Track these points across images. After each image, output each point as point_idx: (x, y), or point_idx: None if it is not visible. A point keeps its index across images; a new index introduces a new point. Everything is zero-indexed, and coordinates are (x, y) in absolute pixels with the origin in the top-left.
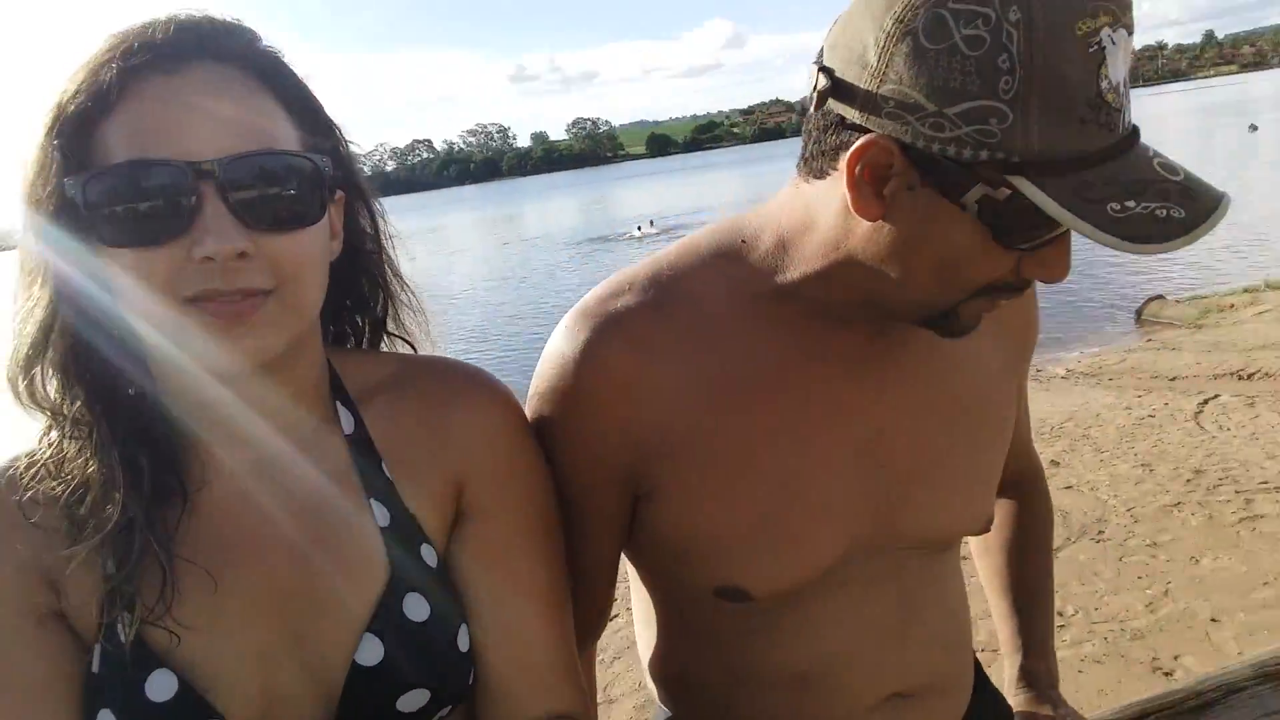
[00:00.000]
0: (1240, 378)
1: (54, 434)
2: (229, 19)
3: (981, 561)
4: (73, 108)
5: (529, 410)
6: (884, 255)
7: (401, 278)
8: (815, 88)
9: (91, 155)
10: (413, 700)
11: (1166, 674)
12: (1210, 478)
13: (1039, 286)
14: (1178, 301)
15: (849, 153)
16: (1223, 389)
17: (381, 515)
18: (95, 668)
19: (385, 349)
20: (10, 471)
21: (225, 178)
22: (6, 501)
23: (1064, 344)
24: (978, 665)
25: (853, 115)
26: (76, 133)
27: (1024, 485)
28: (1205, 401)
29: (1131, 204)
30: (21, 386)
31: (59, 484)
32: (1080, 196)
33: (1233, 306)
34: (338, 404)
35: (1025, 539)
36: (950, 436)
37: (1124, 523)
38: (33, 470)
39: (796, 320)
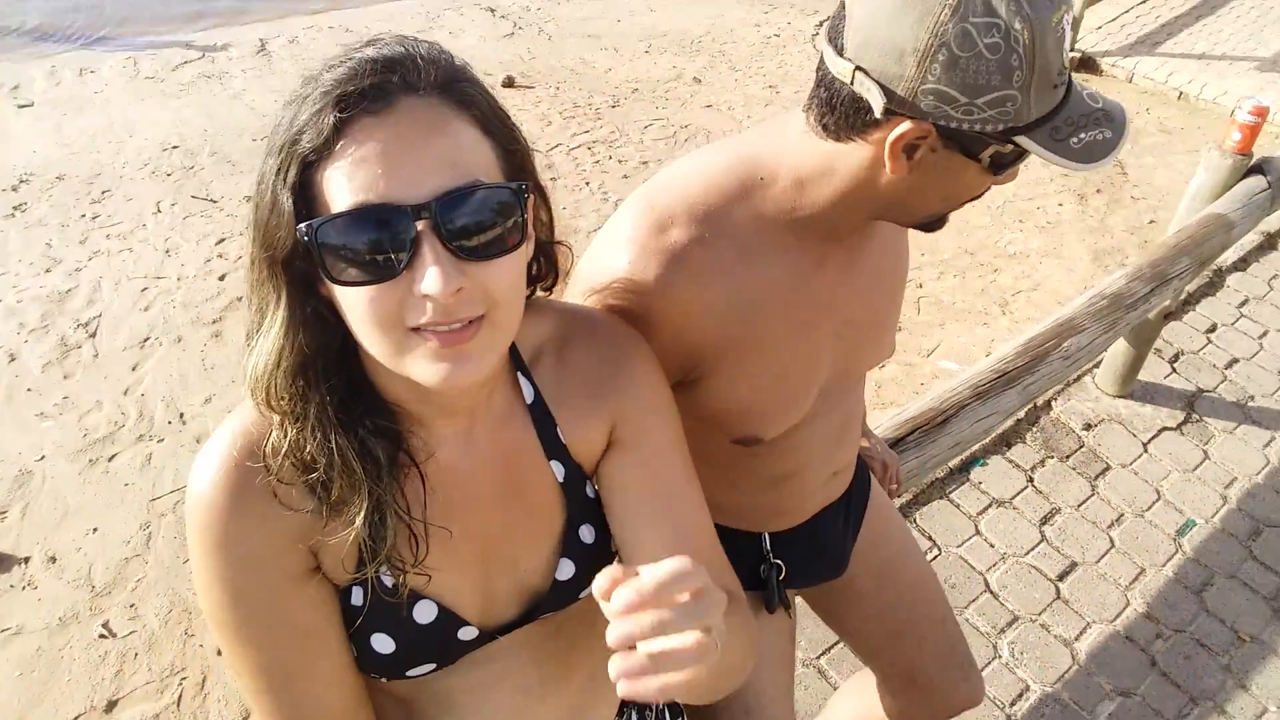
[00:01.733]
0: None
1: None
2: (425, 47)
3: None
4: (297, 154)
5: None
6: (905, 194)
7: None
8: (851, 83)
9: (318, 199)
10: (587, 591)
11: None
12: None
13: None
14: None
15: (894, 134)
16: (833, 10)
17: (559, 472)
18: (357, 601)
19: None
20: (260, 461)
21: (440, 218)
22: (263, 487)
23: None
24: None
25: (892, 105)
26: (302, 179)
27: None
28: (821, 23)
29: (1083, 135)
30: (260, 396)
31: (303, 472)
32: (1053, 139)
33: None
34: (519, 375)
35: None
36: (886, 305)
37: None
38: (279, 459)
39: (806, 241)
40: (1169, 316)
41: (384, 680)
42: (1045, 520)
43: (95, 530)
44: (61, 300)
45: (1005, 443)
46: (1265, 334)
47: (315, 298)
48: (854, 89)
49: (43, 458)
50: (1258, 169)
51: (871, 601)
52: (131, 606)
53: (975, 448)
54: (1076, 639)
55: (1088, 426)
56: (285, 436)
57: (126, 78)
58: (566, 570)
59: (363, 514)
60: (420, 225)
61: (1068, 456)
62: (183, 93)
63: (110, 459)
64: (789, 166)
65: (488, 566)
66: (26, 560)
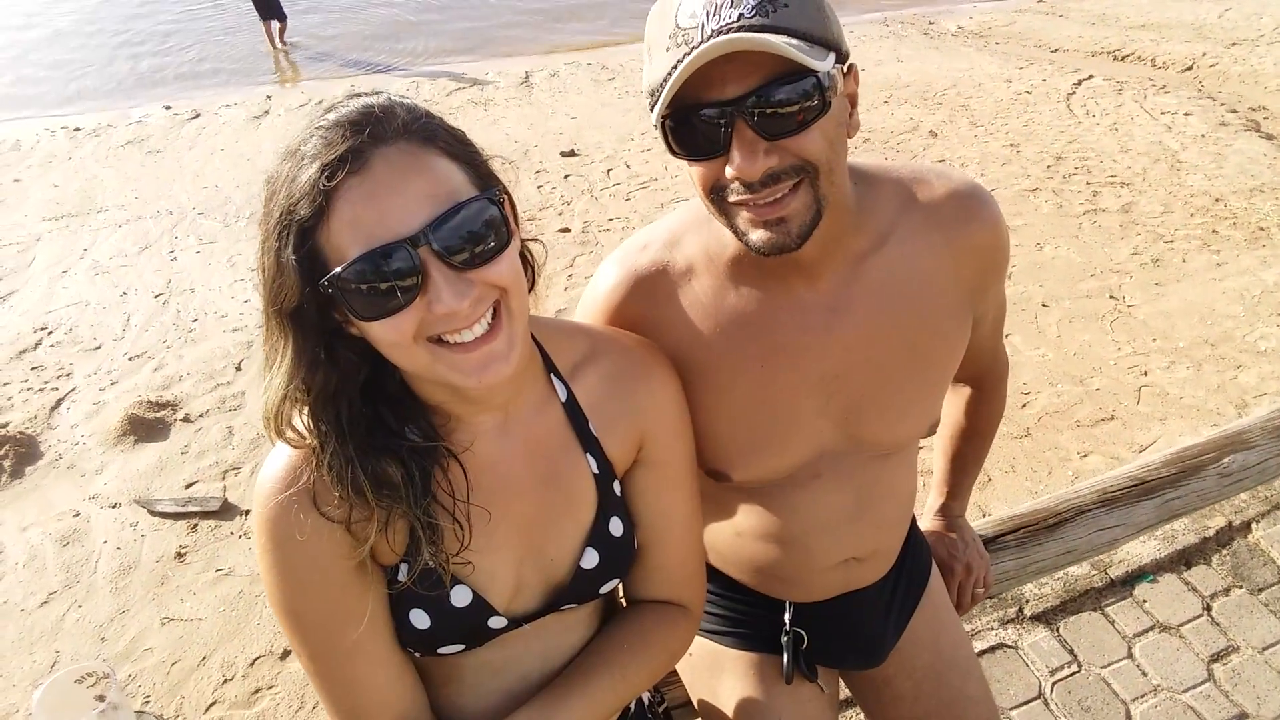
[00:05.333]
0: (1116, 58)
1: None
2: (381, 100)
3: (941, 431)
4: (296, 223)
5: None
6: None
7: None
8: None
9: (320, 257)
10: (608, 586)
11: None
12: (1068, 165)
13: None
14: None
15: None
16: (1097, 69)
17: (593, 464)
18: (402, 577)
19: None
20: (305, 481)
21: (436, 242)
22: (312, 506)
23: None
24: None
25: None
26: (304, 243)
27: (986, 383)
28: (1079, 82)
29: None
30: (271, 426)
31: (340, 494)
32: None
33: None
34: (552, 377)
35: (975, 427)
36: (898, 366)
37: None
38: (319, 478)
39: (754, 276)
40: None
41: (418, 655)
42: (1217, 658)
43: None
44: None
45: (1184, 561)
46: None
47: (327, 341)
48: None
49: None
50: None
51: (908, 708)
52: None
53: (1146, 561)
54: None
55: None
56: (313, 465)
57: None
58: (591, 559)
59: (395, 523)
60: (422, 253)
61: (1260, 590)
62: (451, 115)
63: None
64: None
65: (520, 554)
66: (247, 513)
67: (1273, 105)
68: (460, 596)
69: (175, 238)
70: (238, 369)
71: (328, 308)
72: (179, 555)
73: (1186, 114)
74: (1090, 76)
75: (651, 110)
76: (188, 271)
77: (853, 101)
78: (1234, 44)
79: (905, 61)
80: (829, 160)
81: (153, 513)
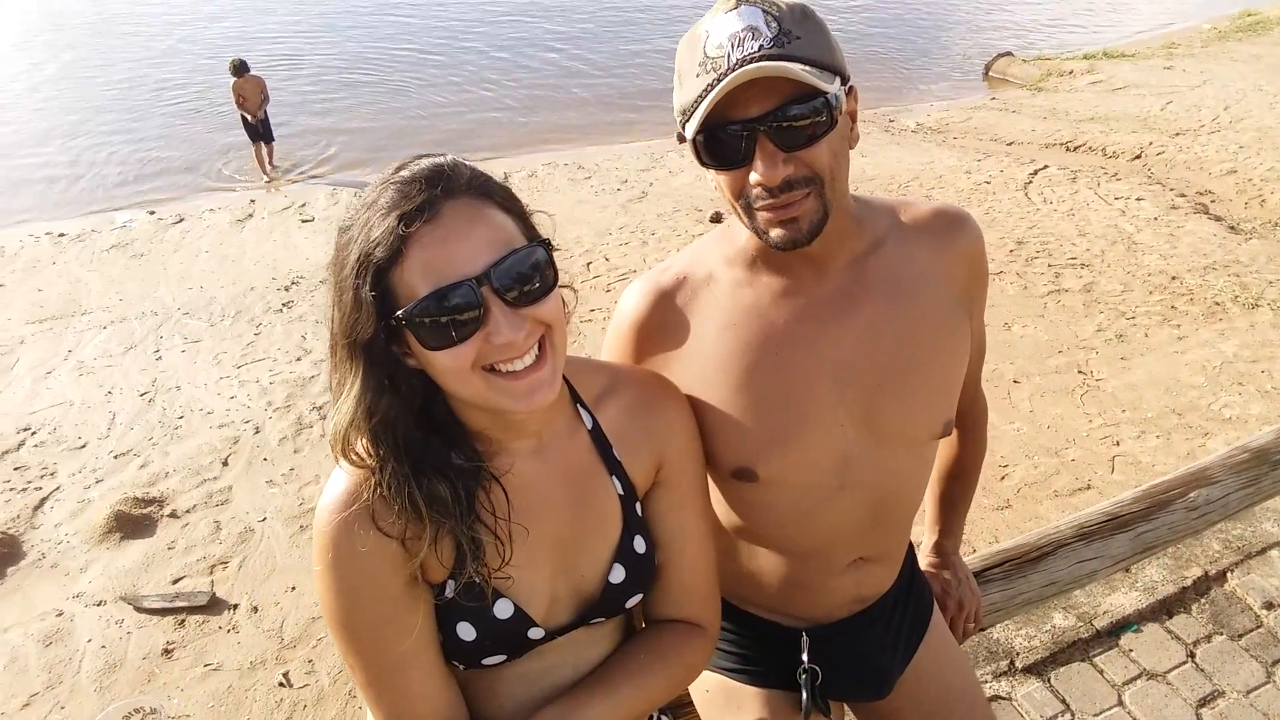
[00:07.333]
0: (1068, 149)
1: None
2: (449, 160)
3: (933, 473)
4: (374, 263)
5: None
6: None
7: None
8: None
9: (392, 294)
10: (633, 601)
11: None
12: (1030, 249)
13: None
14: (1024, 61)
15: None
16: (1051, 160)
17: (618, 486)
18: (449, 594)
19: None
20: (365, 500)
21: (498, 282)
22: (371, 523)
23: (918, 94)
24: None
25: None
26: (380, 281)
27: (967, 421)
28: (1035, 172)
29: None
30: (339, 448)
31: (398, 509)
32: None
33: (1072, 73)
34: (579, 407)
35: (962, 467)
36: (910, 356)
37: None
38: (373, 500)
39: (768, 272)
40: None
41: (462, 668)
42: (1205, 702)
43: (293, 589)
44: (304, 385)
45: (1166, 610)
46: None
47: (390, 371)
48: None
49: (264, 519)
50: None
51: None
52: (310, 662)
53: (1129, 612)
54: None
55: (1269, 605)
56: (371, 487)
57: None
58: (618, 574)
59: (443, 540)
60: (484, 290)
61: (1241, 636)
62: None
63: None
64: None
65: (554, 570)
66: (235, 607)
67: (1218, 189)
68: (503, 609)
69: (160, 337)
70: (224, 464)
71: (392, 341)
72: (166, 651)
73: (1138, 199)
74: (1045, 166)
75: (683, 126)
76: (173, 370)
77: (853, 117)
78: (1178, 134)
79: (869, 156)
80: (833, 170)
81: (139, 609)
